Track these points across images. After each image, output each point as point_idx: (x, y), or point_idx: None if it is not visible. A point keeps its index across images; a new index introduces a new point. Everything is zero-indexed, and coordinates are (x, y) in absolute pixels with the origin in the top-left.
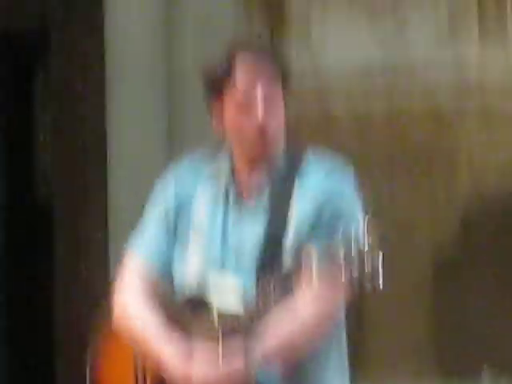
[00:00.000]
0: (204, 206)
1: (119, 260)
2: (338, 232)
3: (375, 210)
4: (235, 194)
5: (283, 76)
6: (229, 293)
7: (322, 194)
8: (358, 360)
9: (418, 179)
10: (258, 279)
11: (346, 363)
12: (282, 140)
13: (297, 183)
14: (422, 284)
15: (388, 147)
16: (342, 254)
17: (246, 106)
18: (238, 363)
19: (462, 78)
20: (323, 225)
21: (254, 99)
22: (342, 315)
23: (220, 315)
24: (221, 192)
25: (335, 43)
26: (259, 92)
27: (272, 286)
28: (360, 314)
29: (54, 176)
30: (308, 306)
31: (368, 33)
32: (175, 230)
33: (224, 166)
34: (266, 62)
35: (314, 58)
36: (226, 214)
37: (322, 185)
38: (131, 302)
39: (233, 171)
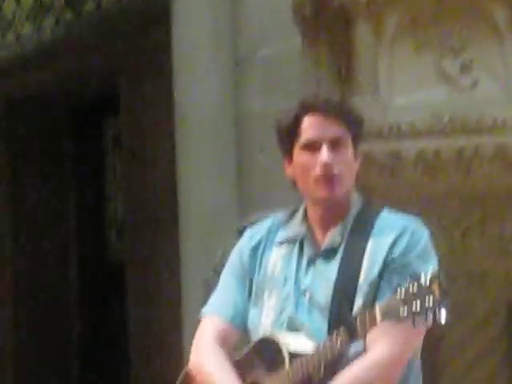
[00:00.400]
0: (279, 260)
1: (191, 311)
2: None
3: (447, 260)
4: (309, 247)
5: (354, 136)
6: (300, 336)
7: (395, 249)
8: None
9: (488, 225)
10: (329, 324)
11: None
12: (350, 189)
13: (371, 237)
14: (496, 335)
15: (457, 189)
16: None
17: (313, 151)
18: None
19: None
20: (392, 279)
21: (320, 146)
22: (416, 351)
23: (292, 355)
24: (296, 245)
25: (402, 85)
26: (325, 140)
27: (342, 331)
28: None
29: (127, 232)
30: (379, 350)
31: (435, 73)
32: (251, 286)
33: (299, 219)
34: (334, 122)
35: (381, 102)
36: (299, 264)
37: (395, 240)
38: (207, 363)
39: (307, 225)
